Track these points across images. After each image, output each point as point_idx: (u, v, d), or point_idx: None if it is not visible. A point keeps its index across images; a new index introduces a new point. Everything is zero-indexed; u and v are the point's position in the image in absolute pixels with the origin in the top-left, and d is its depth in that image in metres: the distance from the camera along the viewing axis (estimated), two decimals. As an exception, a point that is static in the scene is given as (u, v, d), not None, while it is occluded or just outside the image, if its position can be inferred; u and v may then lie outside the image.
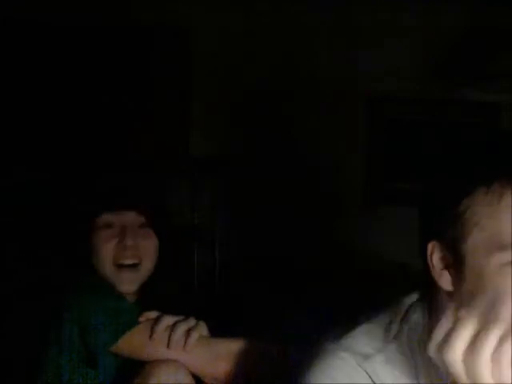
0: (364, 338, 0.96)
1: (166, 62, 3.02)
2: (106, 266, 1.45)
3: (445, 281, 0.89)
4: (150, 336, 1.31)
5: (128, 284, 1.45)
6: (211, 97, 3.12)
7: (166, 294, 1.52)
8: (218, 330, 1.57)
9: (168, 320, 1.34)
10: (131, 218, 1.46)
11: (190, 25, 3.06)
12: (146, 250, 1.47)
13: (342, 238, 3.09)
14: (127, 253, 1.44)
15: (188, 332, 1.31)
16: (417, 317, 0.96)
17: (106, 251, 1.44)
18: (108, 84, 2.96)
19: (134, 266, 1.45)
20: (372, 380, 0.92)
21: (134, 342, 1.33)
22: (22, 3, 2.93)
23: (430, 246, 0.90)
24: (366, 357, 0.93)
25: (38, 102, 2.93)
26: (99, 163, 2.93)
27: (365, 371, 0.92)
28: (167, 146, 3.01)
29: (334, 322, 1.09)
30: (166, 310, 1.45)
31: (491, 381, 0.75)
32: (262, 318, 2.60)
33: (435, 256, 0.90)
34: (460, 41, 3.08)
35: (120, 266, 1.44)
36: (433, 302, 0.94)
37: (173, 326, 1.32)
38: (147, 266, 1.47)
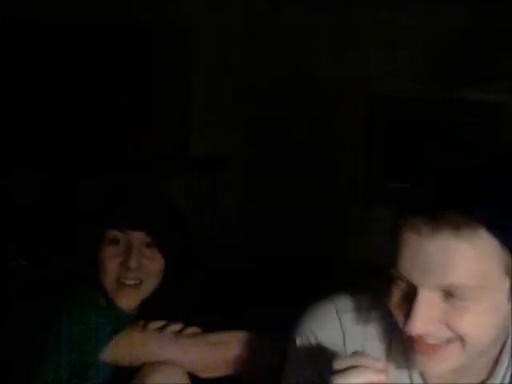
0: (354, 299, 1.05)
1: (166, 62, 3.02)
2: (108, 282, 1.44)
3: None
4: (144, 326, 1.35)
5: (128, 301, 1.45)
6: (211, 97, 3.12)
7: (167, 304, 1.52)
8: (218, 330, 1.57)
9: (159, 323, 1.38)
10: (139, 237, 1.44)
11: (190, 25, 3.07)
12: (149, 270, 1.45)
13: (342, 238, 3.09)
14: (130, 274, 1.43)
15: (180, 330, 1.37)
16: None
17: (109, 269, 1.43)
18: (108, 84, 2.96)
19: (135, 286, 1.44)
20: (342, 331, 1.02)
21: (120, 348, 1.35)
22: (23, 3, 2.93)
23: None
24: (348, 311, 1.04)
25: (38, 102, 2.93)
26: (99, 163, 2.93)
27: (339, 320, 1.03)
28: (167, 146, 3.01)
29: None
30: (165, 315, 1.47)
31: None
32: (261, 317, 2.59)
33: None
34: (460, 41, 3.08)
35: (121, 284, 1.44)
36: None
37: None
38: (149, 285, 1.46)
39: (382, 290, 0.97)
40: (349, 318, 1.03)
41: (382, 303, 0.97)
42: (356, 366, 0.84)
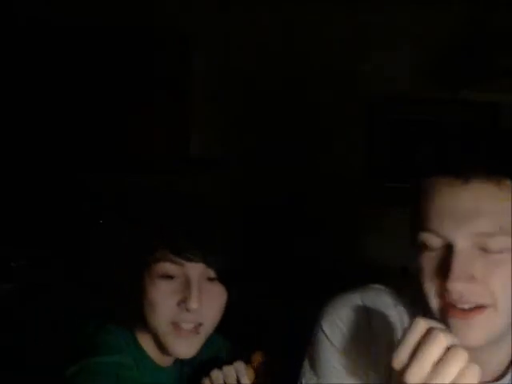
0: (376, 291, 1.12)
1: (166, 63, 3.01)
2: (161, 326, 1.18)
3: None
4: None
5: (186, 349, 1.19)
6: (211, 97, 3.12)
7: None
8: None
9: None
10: (199, 270, 1.19)
11: (191, 25, 3.06)
12: (211, 310, 1.21)
13: (342, 239, 3.09)
14: (189, 316, 1.17)
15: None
16: None
17: (163, 310, 1.17)
18: (108, 84, 2.96)
19: (194, 329, 1.19)
20: (369, 321, 1.05)
21: None
22: (23, 3, 2.93)
23: None
24: (374, 301, 1.09)
25: (38, 102, 2.93)
26: (99, 163, 2.93)
27: (366, 309, 1.06)
28: (167, 146, 3.00)
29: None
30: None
31: None
32: (261, 317, 2.60)
33: None
34: (460, 41, 3.08)
35: (177, 327, 1.18)
36: None
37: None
38: (210, 327, 1.22)
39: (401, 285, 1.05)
40: (375, 307, 1.07)
41: (403, 294, 1.04)
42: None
